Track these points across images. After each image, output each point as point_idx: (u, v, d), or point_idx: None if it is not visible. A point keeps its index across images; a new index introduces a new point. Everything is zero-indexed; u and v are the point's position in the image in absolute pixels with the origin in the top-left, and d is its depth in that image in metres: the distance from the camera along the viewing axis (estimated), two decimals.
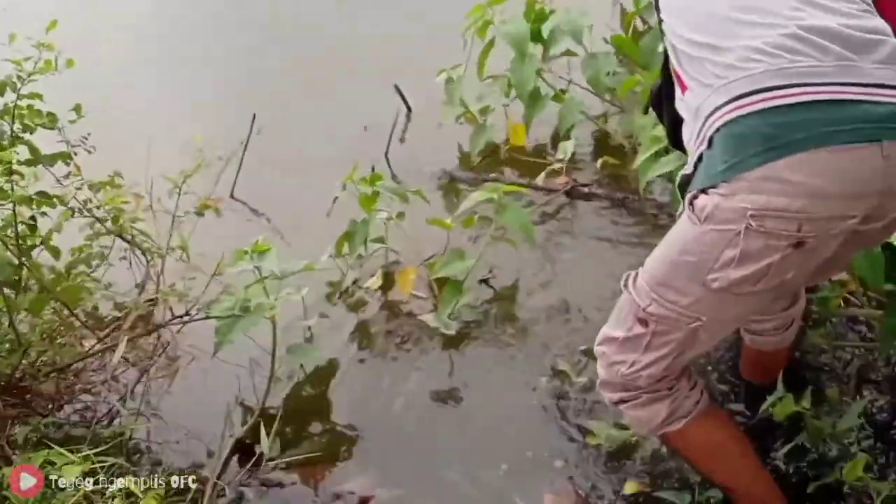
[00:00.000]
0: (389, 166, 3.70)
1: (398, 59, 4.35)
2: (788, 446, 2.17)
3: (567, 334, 2.74)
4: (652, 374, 1.82)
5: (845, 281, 2.52)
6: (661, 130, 2.62)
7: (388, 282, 3.05)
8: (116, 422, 2.50)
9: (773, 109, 1.50)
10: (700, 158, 1.63)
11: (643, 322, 1.77)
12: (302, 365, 2.70)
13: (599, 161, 3.44)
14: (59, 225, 2.50)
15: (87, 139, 2.64)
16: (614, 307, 1.88)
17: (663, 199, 3.21)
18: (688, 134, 1.70)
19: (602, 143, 3.64)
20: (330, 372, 2.71)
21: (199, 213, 2.60)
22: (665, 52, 1.81)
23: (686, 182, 1.69)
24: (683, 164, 2.48)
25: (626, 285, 1.81)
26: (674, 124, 1.84)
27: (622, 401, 1.90)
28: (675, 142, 1.88)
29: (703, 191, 1.59)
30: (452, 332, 2.73)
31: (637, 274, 1.80)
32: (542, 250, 3.08)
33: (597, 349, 1.91)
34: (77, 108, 2.57)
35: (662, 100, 1.89)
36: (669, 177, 2.76)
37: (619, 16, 4.30)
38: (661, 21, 1.79)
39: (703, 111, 1.61)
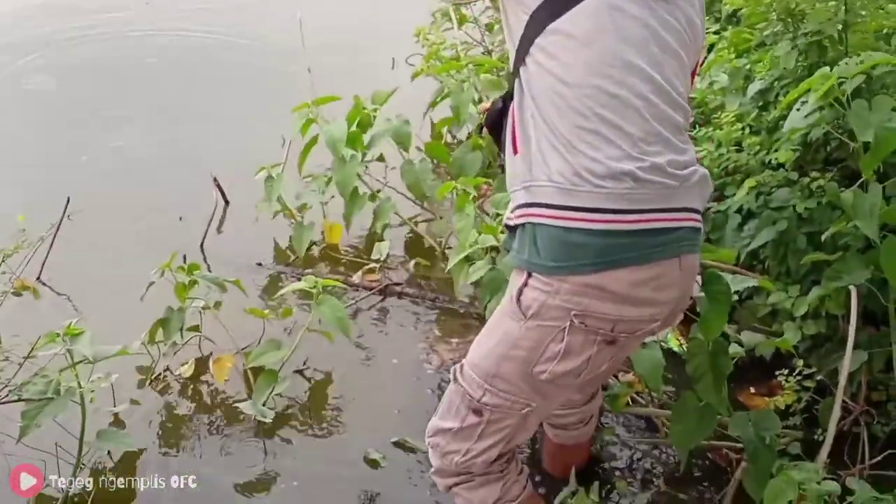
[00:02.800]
0: (204, 257, 3.72)
1: (217, 153, 4.42)
2: None
3: (379, 425, 2.83)
4: (486, 460, 1.94)
5: (632, 381, 2.78)
6: (473, 236, 2.85)
7: (200, 369, 3.05)
8: None
9: (613, 232, 1.67)
10: (514, 229, 1.78)
11: (477, 412, 1.89)
12: (109, 452, 2.65)
13: (412, 262, 3.62)
14: None
15: None
16: (442, 400, 1.99)
17: (470, 300, 3.41)
18: (515, 183, 1.77)
19: (414, 245, 3.83)
20: (137, 458, 2.67)
21: (17, 294, 2.54)
22: (512, 88, 1.79)
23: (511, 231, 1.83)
24: (492, 270, 2.71)
25: (455, 379, 1.93)
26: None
27: (456, 484, 2.00)
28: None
29: (525, 284, 1.75)
30: (268, 420, 2.76)
31: (463, 366, 1.92)
32: (355, 344, 3.19)
33: (429, 440, 2.00)
34: None
35: (503, 125, 1.85)
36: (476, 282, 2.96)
37: (430, 127, 4.57)
38: (525, 62, 1.73)
39: (537, 193, 1.70)
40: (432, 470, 2.04)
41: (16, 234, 2.61)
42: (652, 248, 1.69)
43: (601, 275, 1.68)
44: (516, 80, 1.74)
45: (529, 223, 1.73)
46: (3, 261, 2.48)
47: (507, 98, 1.81)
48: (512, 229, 1.83)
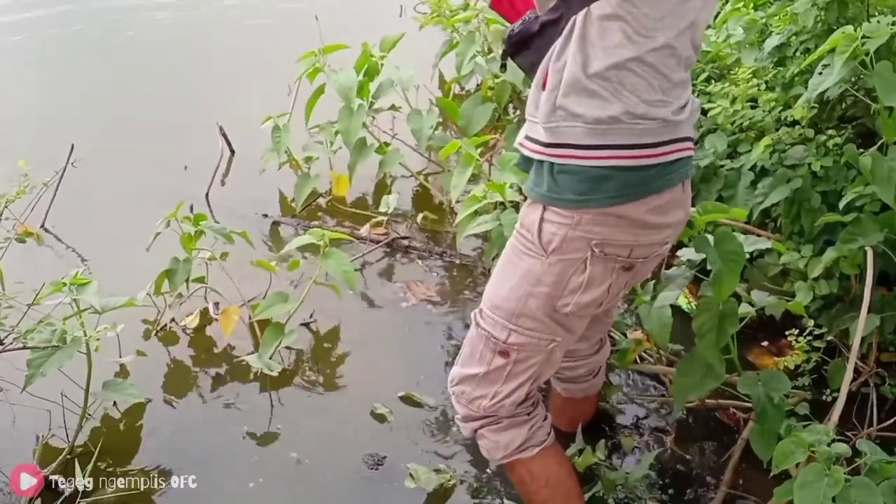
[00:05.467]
0: (210, 207, 3.70)
1: (223, 103, 4.38)
2: (587, 495, 2.32)
3: (386, 380, 2.82)
4: (515, 401, 1.95)
5: (640, 339, 2.77)
6: (479, 191, 2.82)
7: (206, 321, 3.04)
8: None
9: (642, 167, 1.70)
10: (539, 163, 1.76)
11: (504, 353, 1.89)
12: (115, 402, 2.65)
13: (419, 216, 3.59)
14: None
15: None
16: (462, 347, 1.98)
17: (478, 255, 3.38)
18: (536, 115, 1.73)
19: (421, 199, 3.80)
20: (144, 409, 2.67)
21: (21, 240, 2.51)
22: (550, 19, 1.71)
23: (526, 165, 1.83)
24: (499, 225, 2.69)
25: (476, 323, 1.92)
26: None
27: (482, 426, 1.99)
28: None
29: (542, 218, 1.75)
30: (275, 373, 2.75)
31: (482, 311, 1.91)
32: (362, 297, 3.17)
33: (453, 389, 2.00)
34: None
35: (529, 45, 1.78)
36: (484, 236, 2.94)
37: (438, 81, 4.52)
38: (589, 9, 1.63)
39: (563, 133, 1.68)
40: (457, 416, 2.03)
41: (18, 179, 2.55)
42: (668, 176, 1.75)
43: (624, 206, 1.72)
44: (567, 22, 1.65)
45: (549, 162, 1.73)
46: (5, 206, 2.43)
47: (547, 23, 1.71)
48: (526, 158, 1.83)
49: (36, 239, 2.60)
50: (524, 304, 1.83)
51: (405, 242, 3.49)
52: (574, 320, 1.88)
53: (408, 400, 2.73)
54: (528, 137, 1.79)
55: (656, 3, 1.60)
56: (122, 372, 2.79)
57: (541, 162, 1.75)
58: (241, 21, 5.61)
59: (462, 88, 4.39)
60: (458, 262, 3.40)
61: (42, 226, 3.40)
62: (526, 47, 1.78)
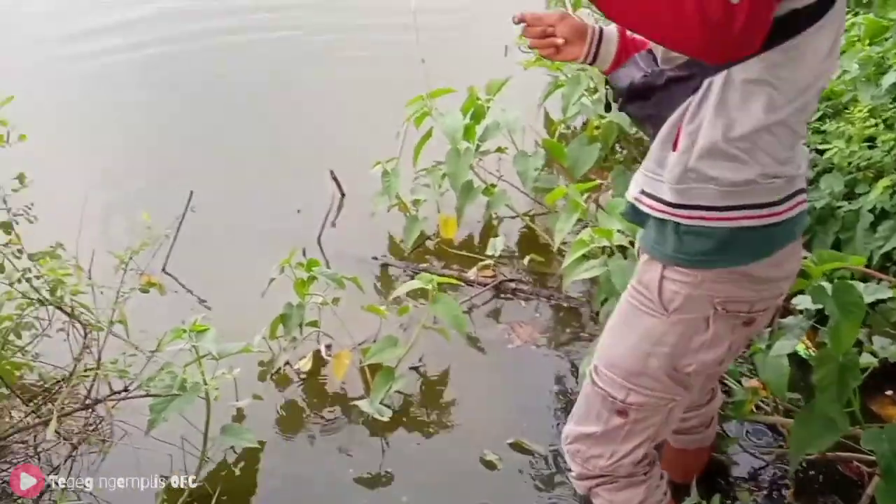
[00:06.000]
0: (321, 250, 3.78)
1: (333, 148, 4.49)
2: None
3: (494, 425, 2.82)
4: (633, 460, 1.92)
5: (756, 388, 2.70)
6: (587, 235, 2.81)
7: (318, 364, 3.10)
8: (46, 497, 2.47)
9: (775, 224, 1.67)
10: (662, 221, 1.71)
11: (622, 413, 1.86)
12: (232, 445, 2.72)
13: (526, 258, 3.59)
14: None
15: (30, 209, 2.63)
16: (577, 404, 1.96)
17: (584, 299, 3.36)
18: (661, 174, 1.69)
19: (528, 240, 3.80)
20: (260, 453, 2.74)
21: (144, 291, 2.62)
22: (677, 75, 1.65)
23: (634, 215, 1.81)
24: (606, 270, 2.68)
25: (592, 381, 1.90)
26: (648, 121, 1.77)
27: (598, 485, 1.98)
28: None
29: (662, 276, 1.73)
30: (385, 418, 2.79)
31: (598, 368, 1.89)
32: (470, 341, 3.19)
33: (568, 447, 1.98)
34: (21, 177, 2.58)
35: (649, 97, 1.73)
36: (592, 279, 2.93)
37: (543, 119, 4.53)
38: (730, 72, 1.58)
39: (692, 195, 1.64)
40: (572, 475, 2.01)
41: (140, 229, 2.67)
42: (792, 231, 1.73)
43: (750, 265, 1.69)
44: (704, 81, 1.59)
45: (675, 221, 1.69)
46: (130, 258, 2.55)
47: (675, 80, 1.66)
48: (638, 210, 1.78)
49: (158, 289, 2.70)
50: (644, 364, 1.80)
51: (512, 285, 3.50)
52: (694, 378, 1.85)
53: (517, 447, 2.72)
54: (646, 193, 1.74)
55: (803, 67, 1.55)
56: (238, 415, 2.86)
57: (663, 220, 1.72)
58: (337, 53, 5.76)
59: (568, 127, 4.39)
60: (565, 304, 3.38)
61: (163, 269, 3.53)
62: (644, 98, 1.74)
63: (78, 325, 2.62)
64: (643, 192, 1.76)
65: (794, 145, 1.65)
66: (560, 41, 1.83)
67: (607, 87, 1.88)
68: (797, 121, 1.61)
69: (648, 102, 1.73)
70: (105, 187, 4.22)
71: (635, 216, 1.83)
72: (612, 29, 1.87)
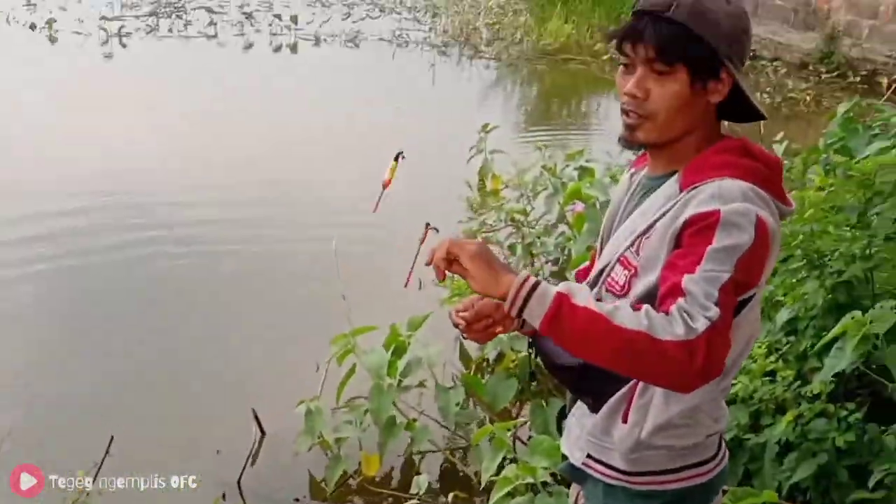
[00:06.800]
0: (241, 494, 3.72)
1: (250, 379, 4.50)
2: None
3: None
4: None
5: None
6: (511, 472, 2.88)
7: None
8: None
9: (721, 473, 1.82)
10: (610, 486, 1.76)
11: None
12: None
13: (450, 496, 3.60)
14: None
15: None
16: None
17: None
18: (607, 441, 1.73)
19: (450, 475, 3.82)
20: None
21: None
22: None
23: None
24: None
25: None
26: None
27: None
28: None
29: None
30: None
31: None
32: None
33: None
34: None
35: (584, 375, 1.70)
36: None
37: (458, 353, 4.65)
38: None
39: (645, 461, 1.71)
40: None
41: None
42: (726, 477, 1.88)
43: None
44: None
45: (627, 487, 1.75)
46: None
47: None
48: (578, 469, 1.82)
49: None
50: None
51: None
52: None
53: None
54: (594, 459, 1.77)
55: (741, 340, 1.63)
56: None
57: (613, 485, 1.75)
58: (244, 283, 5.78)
59: (487, 363, 4.52)
60: None
61: None
62: (583, 378, 1.71)
63: None
64: (591, 458, 1.79)
65: (721, 402, 1.78)
66: (500, 329, 1.85)
67: (531, 349, 1.87)
68: (730, 382, 1.78)
69: (590, 381, 1.70)
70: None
71: (574, 473, 1.85)
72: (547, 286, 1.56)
